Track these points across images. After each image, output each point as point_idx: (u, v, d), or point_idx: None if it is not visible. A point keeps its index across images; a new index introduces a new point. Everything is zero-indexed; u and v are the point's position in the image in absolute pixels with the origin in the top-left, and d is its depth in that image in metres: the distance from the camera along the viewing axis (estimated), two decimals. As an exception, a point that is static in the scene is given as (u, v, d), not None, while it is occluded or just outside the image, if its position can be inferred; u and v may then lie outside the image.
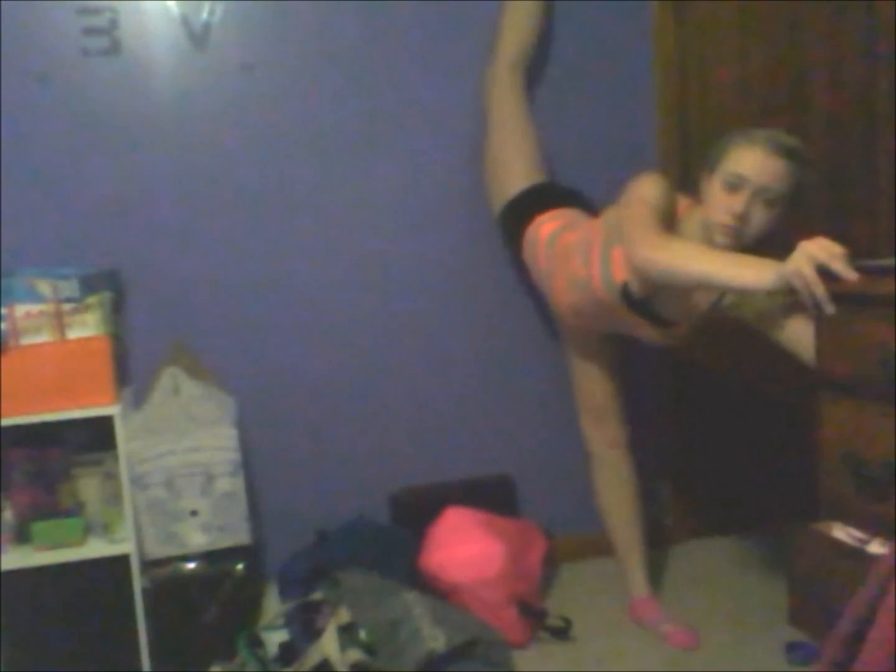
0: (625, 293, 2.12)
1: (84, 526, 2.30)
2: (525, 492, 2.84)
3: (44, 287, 2.23)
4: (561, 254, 2.30)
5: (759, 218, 1.96)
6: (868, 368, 2.02)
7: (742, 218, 1.95)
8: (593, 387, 2.50)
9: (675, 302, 2.15)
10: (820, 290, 1.63)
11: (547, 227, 2.38)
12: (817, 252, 1.64)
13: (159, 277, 2.57)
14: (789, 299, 1.87)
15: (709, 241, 2.02)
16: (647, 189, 2.04)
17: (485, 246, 2.76)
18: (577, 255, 2.23)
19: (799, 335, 1.96)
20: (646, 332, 2.25)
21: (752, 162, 1.93)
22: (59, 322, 2.23)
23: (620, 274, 2.11)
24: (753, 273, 1.74)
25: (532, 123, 2.59)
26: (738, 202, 1.94)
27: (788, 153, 1.93)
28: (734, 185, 1.95)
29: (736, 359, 2.96)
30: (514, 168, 2.53)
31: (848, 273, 1.62)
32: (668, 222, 2.05)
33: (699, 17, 2.82)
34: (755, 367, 2.97)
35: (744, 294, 2.04)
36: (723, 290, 2.05)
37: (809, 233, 1.76)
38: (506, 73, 2.58)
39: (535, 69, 2.72)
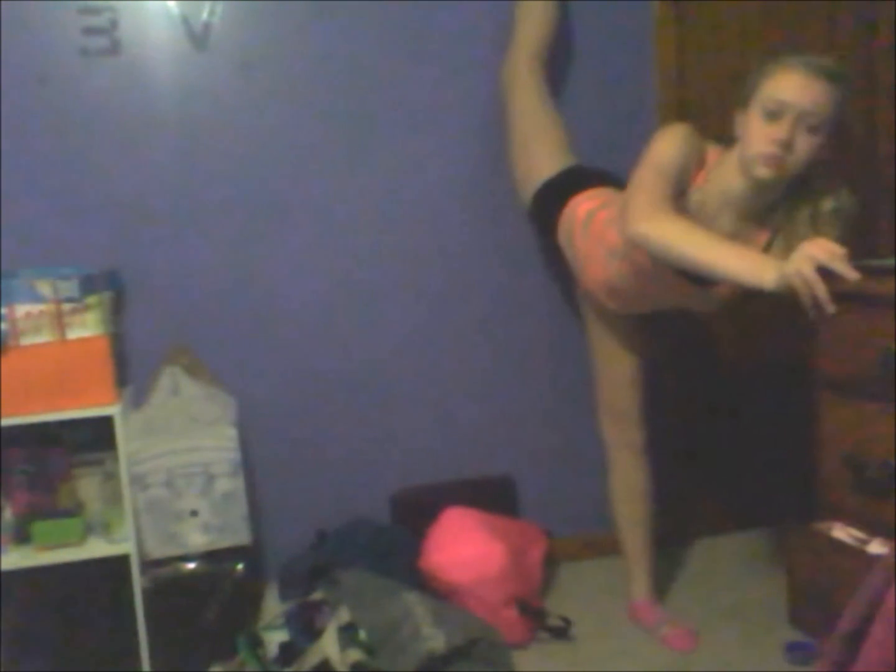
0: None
1: (84, 526, 2.30)
2: (525, 492, 2.84)
3: (44, 287, 2.23)
4: (598, 231, 2.24)
5: (803, 145, 1.88)
6: (868, 368, 2.02)
7: (786, 145, 1.86)
8: (617, 388, 2.45)
9: None
10: (821, 290, 1.62)
11: (584, 206, 2.32)
12: (818, 253, 1.63)
13: (159, 277, 2.57)
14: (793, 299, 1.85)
15: (749, 178, 1.94)
16: (663, 147, 1.98)
17: (485, 246, 2.76)
18: (615, 227, 2.16)
19: None
20: (687, 298, 2.16)
21: (792, 85, 1.85)
22: (59, 322, 2.23)
23: None
24: (754, 270, 1.72)
25: (556, 111, 2.55)
26: (780, 129, 1.86)
27: (829, 75, 1.86)
28: (774, 114, 1.86)
29: (736, 357, 2.96)
30: (542, 153, 2.48)
31: (849, 273, 1.62)
32: (687, 178, 1.98)
33: (699, 16, 2.82)
34: (756, 366, 2.99)
35: (789, 241, 1.95)
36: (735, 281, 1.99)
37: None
38: (526, 64, 2.55)
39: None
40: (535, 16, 2.58)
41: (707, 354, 2.88)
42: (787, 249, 1.91)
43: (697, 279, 2.04)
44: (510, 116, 2.58)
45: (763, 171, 1.91)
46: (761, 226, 2.03)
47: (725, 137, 2.03)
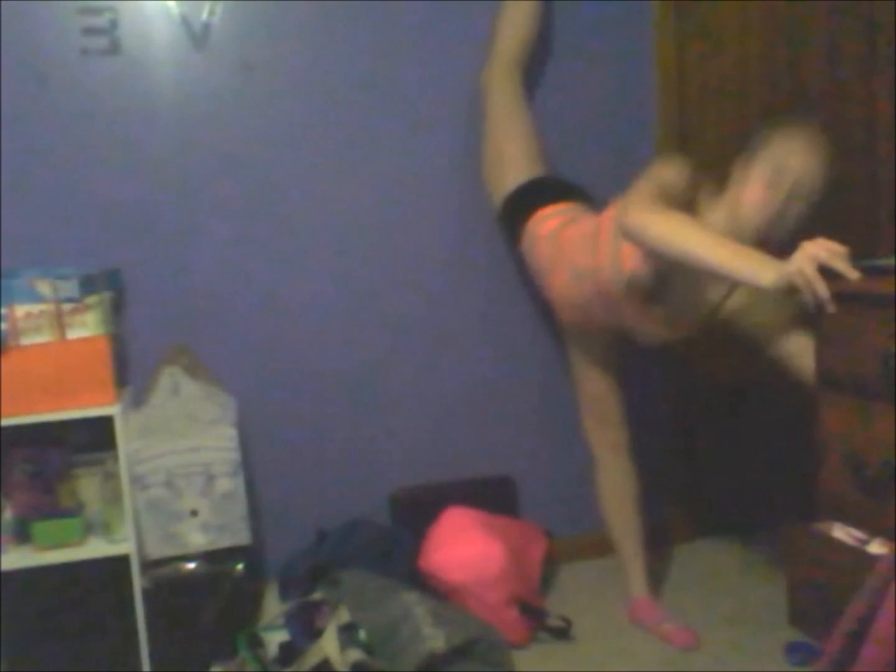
0: (631, 282, 2.09)
1: (84, 526, 2.30)
2: (525, 492, 2.84)
3: (44, 287, 2.23)
4: (564, 247, 2.28)
5: (794, 213, 1.93)
6: (868, 368, 2.01)
7: (781, 214, 1.91)
8: (595, 390, 2.49)
9: (683, 295, 2.13)
10: (822, 288, 1.63)
11: (550, 223, 2.36)
12: (818, 251, 1.64)
13: (159, 277, 2.57)
14: (793, 298, 1.85)
15: (738, 232, 1.97)
16: (662, 171, 2.01)
17: (484, 246, 2.76)
18: (582, 246, 2.21)
19: (801, 351, 1.96)
20: (648, 327, 2.22)
21: (799, 154, 1.90)
22: (59, 322, 2.23)
23: (629, 264, 2.08)
24: (755, 269, 1.73)
25: (530, 119, 2.58)
26: (777, 196, 1.91)
27: (826, 148, 1.91)
28: (772, 184, 1.91)
29: (736, 357, 2.96)
30: (513, 162, 2.52)
31: (850, 271, 1.62)
32: (683, 208, 2.00)
33: (699, 17, 2.82)
34: (755, 366, 2.99)
35: (750, 296, 2.02)
36: (731, 284, 2.02)
37: (810, 233, 1.77)
38: (503, 71, 2.57)
39: (534, 69, 2.72)
40: (514, 20, 2.59)
41: (707, 354, 2.88)
42: (746, 311, 2.06)
43: (664, 308, 2.12)
44: (485, 121, 2.59)
45: (751, 235, 1.95)
46: None
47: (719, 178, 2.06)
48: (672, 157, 2.09)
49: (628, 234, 1.98)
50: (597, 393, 2.49)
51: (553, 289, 2.38)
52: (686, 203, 2.01)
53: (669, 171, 2.01)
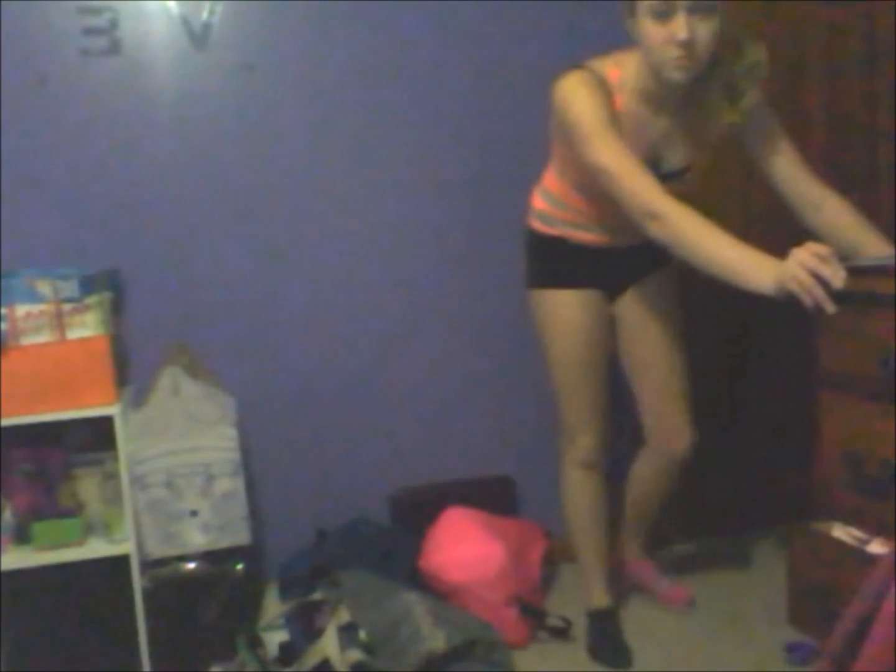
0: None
1: (84, 526, 2.30)
2: (525, 492, 2.84)
3: (44, 287, 2.23)
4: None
5: (704, 34, 1.85)
6: (868, 368, 2.02)
7: (688, 43, 1.84)
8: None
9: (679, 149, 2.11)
10: (819, 293, 1.63)
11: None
12: (808, 259, 1.65)
13: (159, 277, 2.57)
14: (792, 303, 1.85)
15: (661, 82, 1.94)
16: (579, 109, 1.95)
17: (485, 247, 2.76)
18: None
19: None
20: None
21: None
22: (59, 322, 2.23)
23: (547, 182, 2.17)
24: (755, 276, 1.72)
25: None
26: (677, 29, 1.83)
27: None
28: (663, 13, 1.84)
29: (736, 357, 2.97)
30: None
31: (835, 278, 1.63)
32: (612, 111, 1.96)
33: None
34: (755, 366, 2.99)
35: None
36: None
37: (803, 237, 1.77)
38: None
39: (534, 68, 2.72)
40: None
41: (706, 355, 2.87)
42: (708, 121, 2.00)
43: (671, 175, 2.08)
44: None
45: (676, 75, 1.90)
46: (687, 107, 2.04)
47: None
48: (562, 80, 2.00)
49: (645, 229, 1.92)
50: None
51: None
52: (608, 106, 1.95)
53: (584, 104, 1.95)
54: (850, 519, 2.15)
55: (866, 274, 1.89)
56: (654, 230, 1.87)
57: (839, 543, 2.13)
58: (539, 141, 2.75)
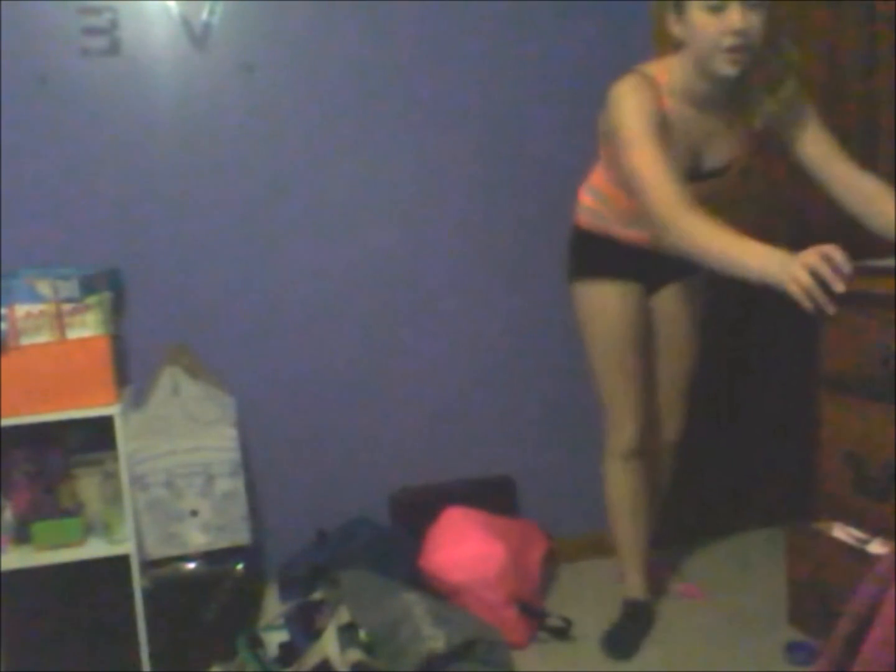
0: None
1: (84, 526, 2.30)
2: (525, 492, 2.84)
3: (44, 287, 2.23)
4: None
5: (756, 25, 1.90)
6: (869, 368, 2.02)
7: (744, 32, 1.88)
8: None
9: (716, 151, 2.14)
10: (818, 295, 1.64)
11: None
12: (812, 260, 1.65)
13: (159, 277, 2.57)
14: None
15: (708, 80, 1.98)
16: (629, 117, 1.98)
17: (485, 247, 2.76)
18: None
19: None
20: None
21: None
22: (59, 322, 2.23)
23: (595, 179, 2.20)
24: (758, 265, 1.73)
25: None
26: (733, 19, 1.87)
27: None
28: (718, 7, 1.88)
29: (737, 357, 2.97)
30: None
31: (836, 282, 1.63)
32: (660, 116, 2.00)
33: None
34: (756, 366, 2.99)
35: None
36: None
37: (810, 233, 1.76)
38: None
39: (534, 68, 2.72)
40: None
41: (707, 355, 2.87)
42: (749, 117, 2.03)
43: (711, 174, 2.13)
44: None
45: (728, 69, 1.94)
46: (729, 104, 2.07)
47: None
48: (615, 86, 2.04)
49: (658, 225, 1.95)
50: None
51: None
52: (656, 114, 1.99)
53: (633, 112, 1.98)
54: (850, 519, 2.15)
55: (875, 275, 1.89)
56: (670, 239, 1.90)
57: (839, 543, 2.13)
58: (537, 139, 2.76)
